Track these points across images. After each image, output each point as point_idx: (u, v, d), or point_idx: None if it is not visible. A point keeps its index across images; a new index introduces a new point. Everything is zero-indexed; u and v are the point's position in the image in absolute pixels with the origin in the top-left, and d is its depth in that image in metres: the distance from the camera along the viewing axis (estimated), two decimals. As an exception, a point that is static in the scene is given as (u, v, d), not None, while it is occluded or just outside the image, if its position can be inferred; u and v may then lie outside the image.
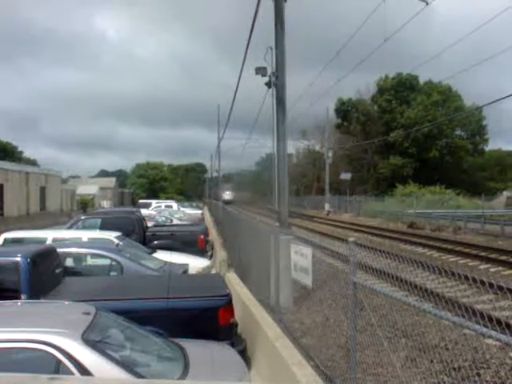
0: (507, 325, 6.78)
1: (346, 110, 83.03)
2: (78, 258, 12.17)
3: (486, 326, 3.79)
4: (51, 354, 5.18)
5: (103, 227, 18.13)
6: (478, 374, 7.25)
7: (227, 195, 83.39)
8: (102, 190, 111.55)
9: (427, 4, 16.70)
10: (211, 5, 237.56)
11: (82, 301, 7.22)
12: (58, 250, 10.34)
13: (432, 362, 7.63)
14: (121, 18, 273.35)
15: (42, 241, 13.79)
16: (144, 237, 19.19)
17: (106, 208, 64.07)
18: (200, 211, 57.17)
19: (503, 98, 23.42)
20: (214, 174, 77.24)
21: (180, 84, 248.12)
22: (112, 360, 5.34)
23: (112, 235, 14.40)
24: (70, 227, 19.35)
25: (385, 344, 6.47)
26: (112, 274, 11.51)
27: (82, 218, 21.21)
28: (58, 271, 9.58)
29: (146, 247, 16.04)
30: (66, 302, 7.17)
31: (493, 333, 3.49)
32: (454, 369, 7.33)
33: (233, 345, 7.69)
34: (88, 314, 6.16)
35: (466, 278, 11.17)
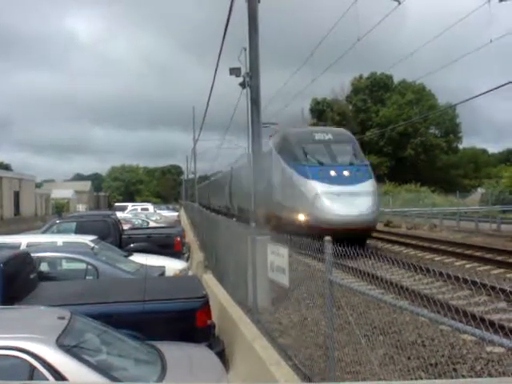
0: (482, 319, 6.84)
1: (321, 110, 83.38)
2: (52, 262, 12.02)
3: (461, 322, 3.81)
4: (25, 360, 5.09)
5: (78, 231, 17.98)
6: (455, 370, 7.31)
7: None
8: (77, 193, 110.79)
9: (399, 3, 16.82)
10: (185, 5, 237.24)
11: (56, 305, 7.12)
12: (33, 254, 10.21)
13: (409, 358, 7.67)
14: (93, 20, 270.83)
15: (16, 246, 13.59)
16: (120, 240, 19.05)
17: (82, 212, 63.50)
18: (176, 213, 57.00)
19: (476, 96, 23.80)
20: (191, 176, 77.08)
21: (155, 85, 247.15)
22: (88, 364, 5.26)
23: (87, 239, 14.26)
24: (45, 231, 19.13)
25: (362, 342, 6.49)
26: (88, 277, 11.38)
27: (57, 222, 20.97)
28: (32, 276, 9.46)
29: (122, 250, 15.92)
30: (41, 307, 7.07)
31: (468, 328, 3.51)
32: (431, 365, 7.39)
33: (210, 346, 7.65)
34: (63, 318, 6.07)
35: (441, 274, 11.35)
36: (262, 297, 10.56)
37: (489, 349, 7.93)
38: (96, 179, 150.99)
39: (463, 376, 7.05)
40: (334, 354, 6.32)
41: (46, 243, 14.08)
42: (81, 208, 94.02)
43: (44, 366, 5.07)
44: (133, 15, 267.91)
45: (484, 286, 10.98)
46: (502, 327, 7.97)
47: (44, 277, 10.61)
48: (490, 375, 7.14)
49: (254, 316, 9.81)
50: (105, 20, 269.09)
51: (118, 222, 20.59)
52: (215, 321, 8.80)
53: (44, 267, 11.59)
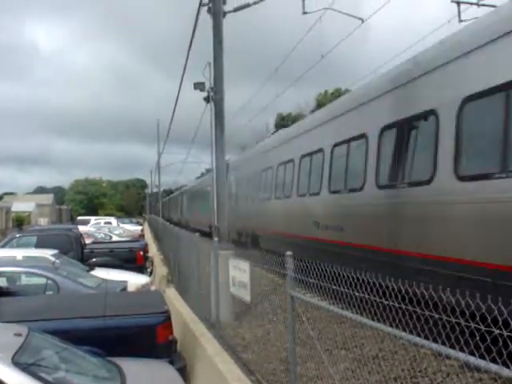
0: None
1: (285, 125, 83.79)
2: (11, 277, 11.82)
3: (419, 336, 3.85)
4: (-20, 378, 4.96)
5: (39, 245, 17.72)
6: (417, 383, 7.37)
7: None
8: (39, 206, 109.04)
9: (363, 21, 17.07)
10: (150, 18, 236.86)
11: (14, 322, 6.97)
12: (-10, 269, 10.02)
13: (370, 372, 7.70)
14: (55, 31, 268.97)
15: (-26, 261, 13.29)
16: (82, 254, 18.83)
17: (43, 225, 62.48)
18: (140, 227, 56.51)
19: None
20: (155, 190, 76.56)
21: (118, 98, 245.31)
22: (45, 382, 5.15)
23: (48, 253, 14.07)
24: (4, 245, 18.79)
25: (323, 357, 6.49)
26: (48, 292, 11.20)
27: (17, 235, 20.66)
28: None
29: (83, 265, 15.72)
30: (-2, 324, 6.91)
31: (425, 342, 3.54)
32: (394, 378, 7.43)
33: (172, 362, 7.57)
34: (19, 335, 5.94)
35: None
36: (224, 312, 10.52)
37: (449, 362, 8.02)
38: (58, 192, 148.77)
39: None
40: (296, 369, 6.31)
41: (4, 257, 13.81)
42: (42, 221, 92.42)
43: (-1, 385, 4.95)
44: (96, 27, 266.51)
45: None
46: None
47: (2, 292, 10.41)
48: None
49: (217, 331, 9.75)
50: (67, 31, 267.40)
51: (80, 236, 20.38)
52: (177, 336, 8.72)
53: (2, 282, 11.39)
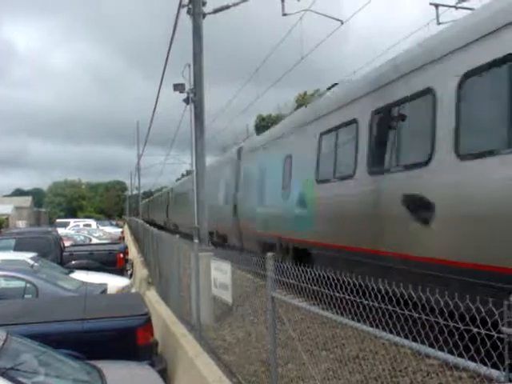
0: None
1: (265, 126, 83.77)
2: (-11, 281, 11.67)
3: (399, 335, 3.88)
4: (-44, 384, 4.90)
5: (18, 248, 17.58)
6: (397, 382, 7.41)
7: None
8: (17, 209, 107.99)
9: (342, 23, 17.14)
10: (130, 20, 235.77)
11: (-8, 326, 6.89)
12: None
13: (352, 372, 7.73)
14: (33, 31, 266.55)
15: (-49, 264, 13.13)
16: (61, 257, 18.69)
17: (22, 228, 61.89)
18: (120, 229, 56.23)
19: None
20: (135, 192, 76.22)
21: (97, 99, 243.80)
22: (24, 387, 5.10)
23: (27, 256, 13.95)
24: (-18, 249, 18.55)
25: (304, 357, 6.51)
26: (26, 296, 11.10)
27: (-5, 238, 20.43)
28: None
29: (63, 267, 15.61)
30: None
31: (405, 342, 3.57)
32: (374, 378, 7.46)
33: (152, 365, 7.54)
34: (-2, 339, 5.87)
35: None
36: (205, 313, 10.49)
37: (429, 361, 8.08)
38: (37, 194, 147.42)
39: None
40: (277, 370, 6.32)
41: (-18, 261, 13.65)
42: (21, 224, 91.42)
43: (-23, 390, 4.89)
44: (75, 27, 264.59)
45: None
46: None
47: (-20, 296, 10.29)
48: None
49: (198, 333, 9.73)
50: (45, 31, 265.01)
51: (59, 239, 20.24)
52: (158, 338, 8.69)
53: (-20, 286, 11.25)
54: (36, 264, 13.09)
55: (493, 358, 3.14)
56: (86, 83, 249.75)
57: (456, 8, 14.04)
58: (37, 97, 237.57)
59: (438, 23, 13.96)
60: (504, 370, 2.87)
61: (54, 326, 7.79)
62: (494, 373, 2.92)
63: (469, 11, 10.63)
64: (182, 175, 72.79)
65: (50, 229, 27.97)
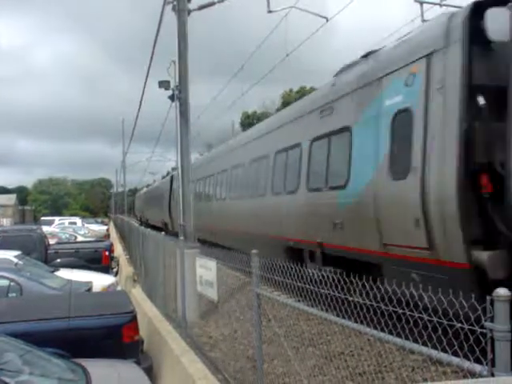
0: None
1: (251, 123, 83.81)
2: (-28, 279, 11.56)
3: (383, 331, 3.90)
4: None
5: (2, 246, 17.33)
6: (382, 378, 7.45)
7: None
8: (1, 207, 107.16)
9: (327, 20, 17.15)
10: (115, 16, 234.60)
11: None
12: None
13: (338, 368, 7.75)
14: (15, 25, 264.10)
15: None
16: (46, 255, 18.54)
17: (6, 226, 61.44)
18: (106, 227, 56.00)
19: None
20: (120, 189, 75.89)
21: (82, 96, 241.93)
22: (8, 386, 5.07)
23: (11, 254, 13.80)
24: (-35, 247, 18.38)
25: (289, 354, 6.52)
26: (10, 295, 11.00)
27: (-21, 237, 20.21)
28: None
29: (48, 266, 15.50)
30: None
31: (389, 337, 3.59)
32: (360, 374, 7.49)
33: (138, 362, 7.53)
34: (-19, 338, 5.84)
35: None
36: (191, 311, 10.48)
37: (413, 356, 8.13)
38: (21, 192, 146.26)
39: (390, 384, 7.19)
40: (263, 367, 6.33)
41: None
42: (5, 222, 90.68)
43: (-40, 389, 4.86)
44: (58, 23, 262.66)
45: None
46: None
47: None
48: (416, 381, 7.31)
49: (183, 330, 9.71)
50: (28, 27, 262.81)
51: (43, 237, 20.05)
52: (143, 336, 8.67)
53: (-36, 285, 11.13)
54: (20, 262, 12.98)
55: (476, 352, 3.17)
56: (70, 80, 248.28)
57: (440, 6, 14.11)
58: (20, 94, 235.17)
59: (423, 20, 14.01)
60: (487, 364, 2.89)
61: (39, 324, 7.75)
62: (477, 367, 2.95)
63: (453, 9, 10.66)
64: (167, 173, 72.38)
65: (34, 227, 27.74)
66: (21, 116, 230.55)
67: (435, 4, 14.39)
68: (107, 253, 20.18)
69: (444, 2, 14.07)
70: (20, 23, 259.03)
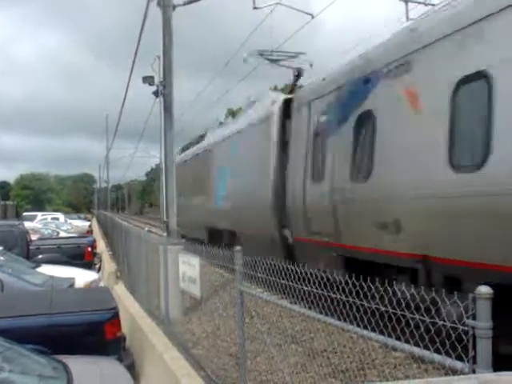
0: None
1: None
2: (-49, 275, 11.42)
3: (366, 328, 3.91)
4: None
5: (-17, 242, 17.22)
6: (365, 375, 7.47)
7: None
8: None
9: (313, 17, 17.16)
10: (98, 10, 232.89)
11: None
12: None
13: (321, 365, 7.77)
14: None
15: None
16: (28, 251, 18.39)
17: (-13, 221, 60.85)
18: (88, 223, 55.67)
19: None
20: (103, 185, 75.44)
21: (65, 91, 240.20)
22: (-13, 383, 5.01)
23: (-9, 250, 13.68)
24: None
25: (273, 351, 6.52)
26: (-9, 291, 10.89)
27: (-41, 232, 19.99)
28: None
29: (29, 261, 15.37)
30: None
31: (372, 335, 3.59)
32: (342, 371, 7.51)
33: (120, 359, 7.48)
34: (-39, 335, 5.77)
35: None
36: (174, 308, 10.45)
37: (396, 354, 8.17)
38: (3, 187, 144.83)
39: (373, 381, 7.22)
40: (246, 364, 6.32)
41: None
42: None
43: None
44: (42, 17, 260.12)
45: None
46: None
47: None
48: (398, 379, 7.34)
49: (166, 327, 9.68)
50: (11, 21, 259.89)
51: (25, 232, 19.87)
52: (126, 333, 8.62)
53: None
54: (1, 258, 12.87)
55: (457, 349, 3.18)
56: (53, 75, 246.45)
57: (425, 4, 14.16)
58: (2, 89, 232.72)
59: (408, 19, 14.06)
60: (468, 361, 2.91)
61: (20, 320, 7.67)
62: (458, 364, 2.96)
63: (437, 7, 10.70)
64: (152, 169, 71.98)
65: (16, 222, 27.50)
66: (2, 111, 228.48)
67: (419, 3, 14.46)
68: (90, 249, 20.09)
69: (428, 2, 14.14)
70: (1, 17, 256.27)
